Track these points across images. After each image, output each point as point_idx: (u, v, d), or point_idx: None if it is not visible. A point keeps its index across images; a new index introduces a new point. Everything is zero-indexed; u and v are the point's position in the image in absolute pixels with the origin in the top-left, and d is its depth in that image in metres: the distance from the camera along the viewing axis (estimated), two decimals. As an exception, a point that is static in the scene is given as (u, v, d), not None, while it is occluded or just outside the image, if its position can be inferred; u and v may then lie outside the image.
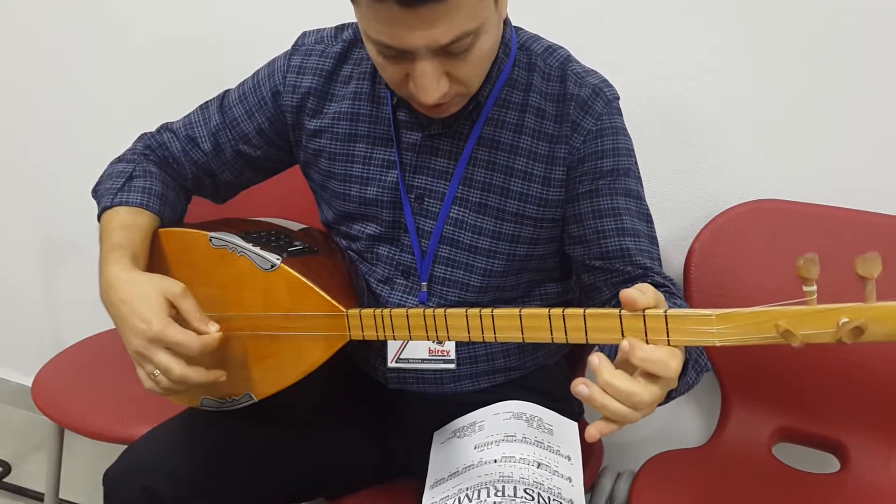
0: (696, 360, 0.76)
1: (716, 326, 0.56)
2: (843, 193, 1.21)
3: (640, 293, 0.61)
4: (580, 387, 0.60)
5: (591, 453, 1.20)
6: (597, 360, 0.59)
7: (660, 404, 0.73)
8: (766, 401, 1.24)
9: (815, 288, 0.51)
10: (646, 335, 0.59)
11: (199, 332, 0.83)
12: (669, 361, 0.59)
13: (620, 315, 0.59)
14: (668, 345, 0.59)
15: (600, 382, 0.59)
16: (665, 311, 0.58)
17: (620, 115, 0.94)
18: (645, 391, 0.59)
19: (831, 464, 1.22)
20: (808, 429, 1.23)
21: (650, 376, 0.59)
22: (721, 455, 1.21)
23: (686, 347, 0.67)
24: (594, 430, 0.61)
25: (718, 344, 0.56)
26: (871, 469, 1.16)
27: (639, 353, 0.58)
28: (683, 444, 1.30)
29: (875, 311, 0.50)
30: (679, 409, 1.42)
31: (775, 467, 1.19)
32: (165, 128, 1.07)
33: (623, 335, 0.59)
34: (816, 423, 1.22)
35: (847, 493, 1.13)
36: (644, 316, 0.58)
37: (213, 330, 0.84)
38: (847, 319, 0.50)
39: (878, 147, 1.18)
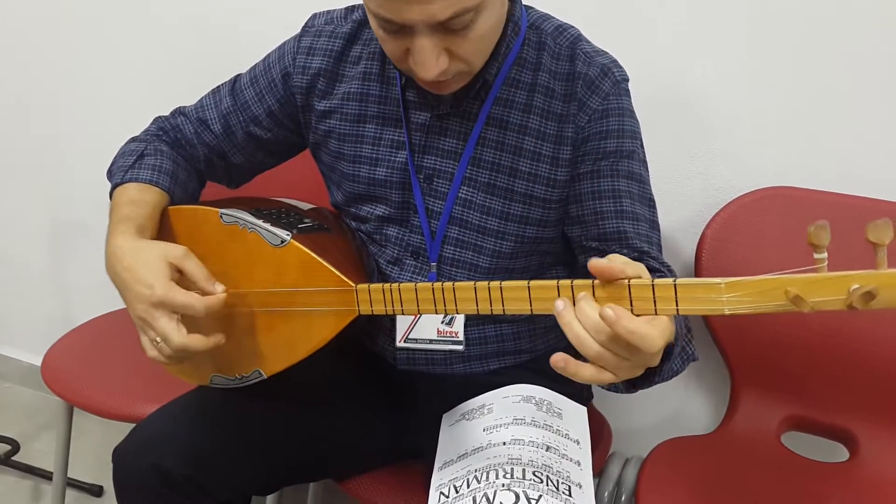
0: (684, 349, 0.76)
1: (725, 294, 0.55)
2: (856, 181, 1.20)
3: (609, 261, 0.60)
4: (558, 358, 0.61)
5: (600, 439, 1.19)
6: (561, 303, 0.60)
7: (642, 388, 0.72)
8: (776, 389, 1.23)
9: (825, 255, 0.51)
10: (654, 304, 0.58)
11: (205, 293, 0.83)
12: (656, 338, 0.58)
13: (629, 285, 0.59)
14: (678, 313, 0.58)
15: (577, 311, 0.60)
16: (674, 280, 0.57)
17: (629, 96, 0.94)
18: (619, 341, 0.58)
19: (840, 453, 1.21)
20: (817, 418, 1.22)
21: (629, 347, 0.58)
22: (729, 443, 1.21)
23: (675, 335, 0.66)
24: (559, 357, 0.61)
25: (728, 312, 0.55)
26: (881, 458, 1.15)
27: (624, 323, 0.57)
28: (692, 431, 1.29)
29: (886, 278, 0.49)
30: (688, 396, 1.41)
31: (784, 456, 1.18)
32: (178, 111, 1.08)
33: (632, 304, 0.59)
34: (826, 412, 1.21)
35: (856, 482, 1.13)
36: (653, 285, 0.58)
37: (219, 290, 0.84)
38: (858, 286, 0.49)
39: (893, 135, 1.17)
